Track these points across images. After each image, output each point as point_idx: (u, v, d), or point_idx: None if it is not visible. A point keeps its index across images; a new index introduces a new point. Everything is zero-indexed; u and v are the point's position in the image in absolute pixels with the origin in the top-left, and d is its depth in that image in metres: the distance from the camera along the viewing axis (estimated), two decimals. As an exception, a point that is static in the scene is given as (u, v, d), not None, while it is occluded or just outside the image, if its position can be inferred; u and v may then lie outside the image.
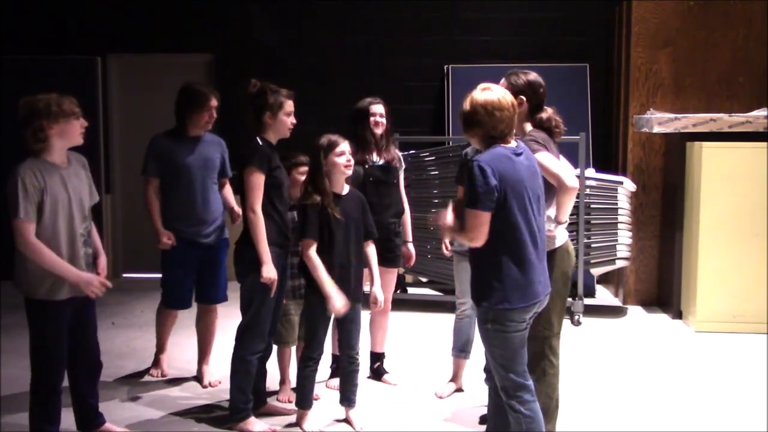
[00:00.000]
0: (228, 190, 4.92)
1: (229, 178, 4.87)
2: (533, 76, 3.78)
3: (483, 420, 4.14)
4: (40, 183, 3.51)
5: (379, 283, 4.24)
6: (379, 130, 4.69)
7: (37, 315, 3.63)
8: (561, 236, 3.82)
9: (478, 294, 3.30)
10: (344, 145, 4.01)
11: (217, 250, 4.79)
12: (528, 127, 3.79)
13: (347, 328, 4.13)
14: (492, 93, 3.25)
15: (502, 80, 3.82)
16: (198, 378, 4.93)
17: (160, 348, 5.08)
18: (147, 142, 4.77)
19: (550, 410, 3.82)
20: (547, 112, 3.87)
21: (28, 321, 3.68)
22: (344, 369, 4.19)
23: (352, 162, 4.06)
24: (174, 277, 4.78)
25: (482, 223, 3.14)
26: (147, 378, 4.99)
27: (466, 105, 3.27)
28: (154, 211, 4.67)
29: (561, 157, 3.90)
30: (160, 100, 7.37)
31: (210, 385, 4.83)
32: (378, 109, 4.70)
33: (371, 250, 4.20)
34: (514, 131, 3.47)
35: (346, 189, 4.08)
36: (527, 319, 3.29)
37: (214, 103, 4.67)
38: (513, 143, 3.29)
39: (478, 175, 3.12)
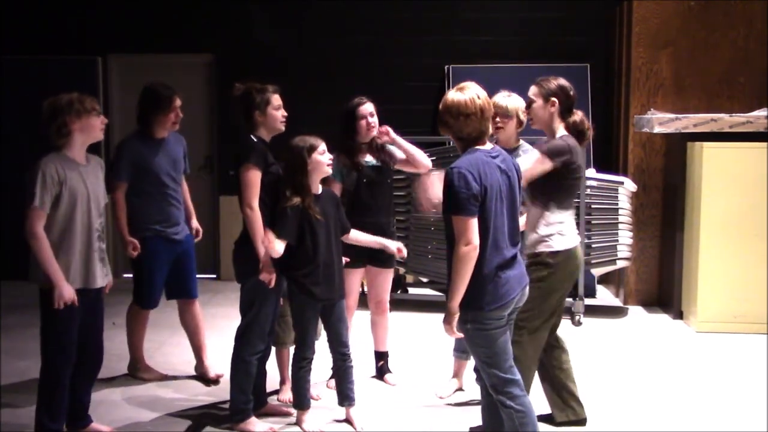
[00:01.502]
0: (185, 187, 4.92)
1: (186, 175, 4.91)
2: (562, 80, 3.95)
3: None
4: (60, 176, 3.64)
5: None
6: (372, 132, 4.64)
7: (51, 305, 3.63)
8: (565, 241, 3.84)
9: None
10: (323, 145, 4.04)
11: (188, 245, 4.83)
12: (561, 129, 3.90)
13: (335, 326, 4.14)
14: (462, 95, 3.26)
15: (532, 87, 3.98)
16: (201, 375, 4.92)
17: (140, 351, 4.96)
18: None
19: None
20: (578, 115, 3.97)
21: (41, 313, 3.72)
22: (338, 367, 4.18)
23: (332, 160, 4.08)
24: (153, 278, 4.74)
25: (469, 228, 3.15)
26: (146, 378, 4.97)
27: (440, 104, 3.30)
28: (123, 218, 4.61)
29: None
30: (160, 100, 7.40)
31: (216, 376, 4.83)
32: (367, 109, 4.61)
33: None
34: (543, 123, 3.65)
35: (320, 188, 4.10)
36: (505, 315, 3.30)
37: (178, 102, 4.67)
38: (488, 145, 3.30)
39: (458, 182, 3.14)
